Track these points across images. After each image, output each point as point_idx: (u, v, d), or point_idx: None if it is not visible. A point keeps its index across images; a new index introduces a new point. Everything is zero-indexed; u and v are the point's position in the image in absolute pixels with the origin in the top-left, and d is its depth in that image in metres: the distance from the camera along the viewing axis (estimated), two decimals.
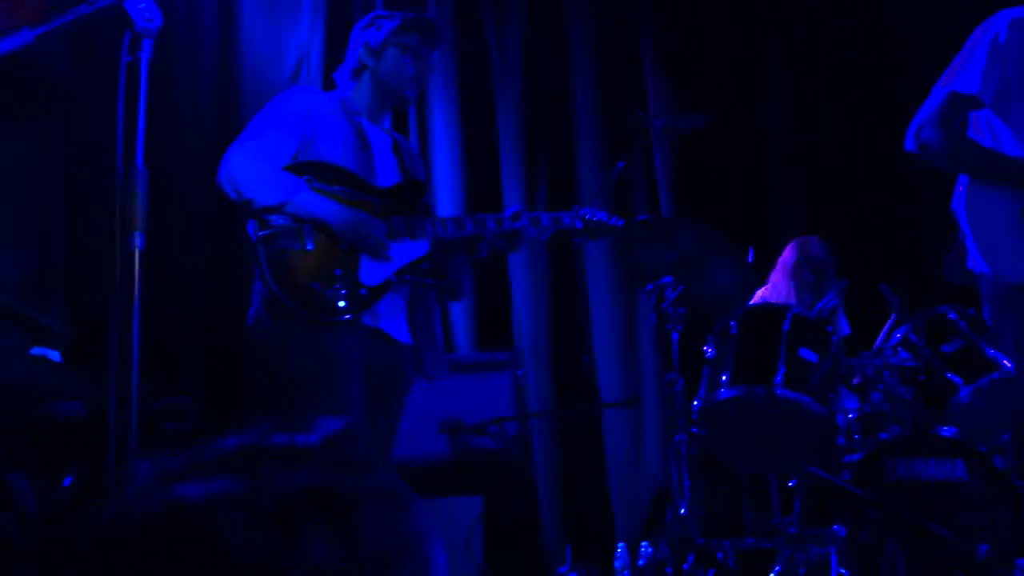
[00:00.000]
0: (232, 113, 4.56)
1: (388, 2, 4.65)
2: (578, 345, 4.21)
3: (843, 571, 2.94)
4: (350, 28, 4.68)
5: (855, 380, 3.50)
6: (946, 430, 3.15)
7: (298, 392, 2.43)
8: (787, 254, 4.20)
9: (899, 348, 3.35)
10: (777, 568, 3.23)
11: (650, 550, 3.62)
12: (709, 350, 3.40)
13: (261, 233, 2.44)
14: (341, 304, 2.41)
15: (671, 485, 3.44)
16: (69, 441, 2.66)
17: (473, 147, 4.71)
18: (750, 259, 3.70)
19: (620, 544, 3.71)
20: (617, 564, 3.65)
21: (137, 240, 1.48)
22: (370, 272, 2.49)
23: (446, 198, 4.61)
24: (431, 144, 4.67)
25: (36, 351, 2.64)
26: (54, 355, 2.50)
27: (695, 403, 3.34)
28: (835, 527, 3.02)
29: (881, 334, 3.66)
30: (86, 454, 2.65)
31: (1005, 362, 3.15)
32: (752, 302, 4.08)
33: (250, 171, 2.44)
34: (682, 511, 3.35)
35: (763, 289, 4.24)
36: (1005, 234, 2.28)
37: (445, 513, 3.45)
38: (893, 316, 3.62)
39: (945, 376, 3.22)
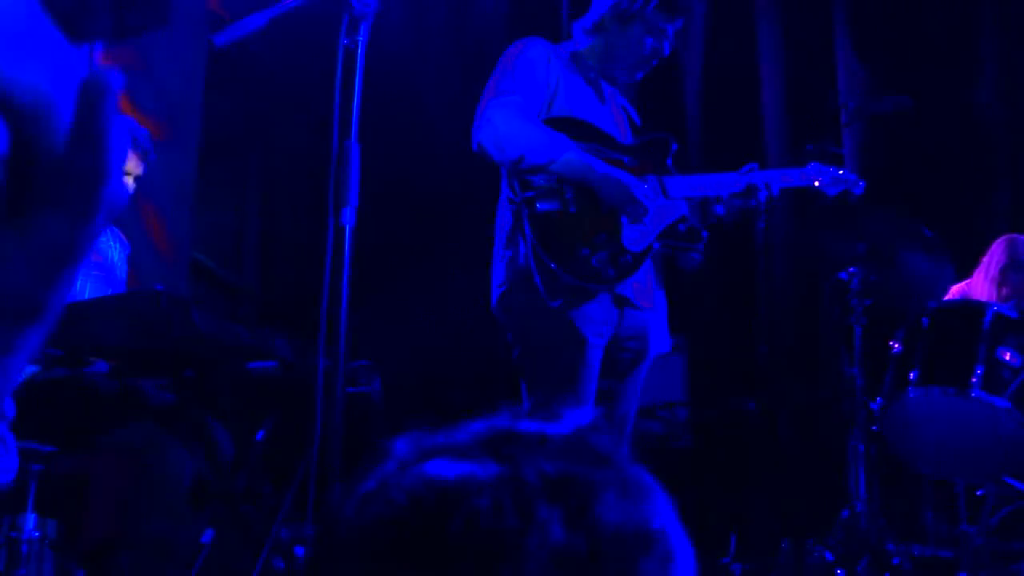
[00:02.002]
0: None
1: None
2: (754, 334, 4.09)
3: None
4: None
5: None
6: None
7: (546, 371, 2.36)
8: (994, 253, 3.88)
9: None
10: None
11: (819, 549, 3.51)
12: (896, 346, 3.23)
13: (525, 195, 2.31)
14: (610, 272, 2.30)
15: (847, 484, 3.31)
16: (265, 397, 2.84)
17: (656, 127, 4.64)
18: (933, 243, 3.48)
19: (784, 540, 3.60)
20: (781, 560, 3.56)
21: (348, 215, 1.55)
22: (632, 237, 2.35)
23: None
24: None
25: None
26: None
27: (878, 400, 3.19)
28: None
29: None
30: (279, 410, 2.82)
31: None
32: (947, 298, 3.84)
33: (515, 128, 2.31)
34: (858, 509, 3.22)
35: (960, 285, 3.96)
36: None
37: None
38: None
39: None
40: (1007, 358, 3.04)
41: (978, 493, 3.30)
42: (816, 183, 2.67)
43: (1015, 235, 3.89)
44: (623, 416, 2.50)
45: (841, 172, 2.70)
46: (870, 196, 4.48)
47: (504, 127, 2.33)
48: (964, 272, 3.97)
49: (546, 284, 2.31)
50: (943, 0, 4.66)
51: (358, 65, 1.59)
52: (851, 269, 3.43)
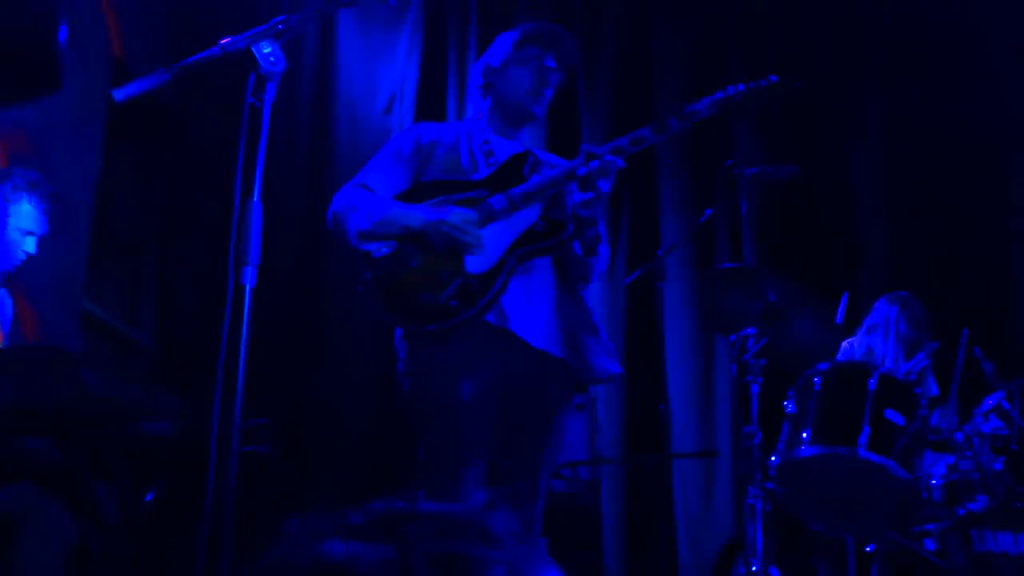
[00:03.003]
0: (326, 146, 4.68)
1: (484, 33, 4.73)
2: (653, 392, 4.16)
3: None
4: (444, 63, 4.87)
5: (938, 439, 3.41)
6: None
7: (435, 434, 2.29)
8: (886, 309, 4.08)
9: (991, 415, 3.24)
10: None
11: None
12: (790, 405, 3.34)
13: (368, 275, 2.32)
14: (453, 303, 2.23)
15: (743, 540, 3.37)
16: (155, 458, 2.73)
17: None
18: (843, 308, 3.62)
19: None
20: None
21: (249, 274, 1.53)
22: (476, 262, 2.28)
23: None
24: None
25: None
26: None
27: (773, 459, 3.27)
28: None
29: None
30: (170, 471, 2.72)
31: None
32: (838, 357, 4.00)
33: (347, 202, 2.39)
34: (754, 568, 3.28)
35: (849, 342, 4.14)
36: None
37: None
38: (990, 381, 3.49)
39: None
40: (892, 417, 3.17)
41: (867, 549, 3.40)
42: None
43: (904, 293, 4.10)
44: (530, 470, 2.34)
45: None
46: (766, 260, 4.68)
47: (338, 203, 2.41)
48: (852, 330, 4.16)
49: (412, 344, 2.32)
50: (831, 76, 4.93)
51: (263, 124, 1.58)
52: (746, 329, 3.54)
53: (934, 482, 3.39)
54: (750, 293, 3.51)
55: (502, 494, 0.67)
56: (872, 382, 3.20)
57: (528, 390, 2.33)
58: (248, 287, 1.51)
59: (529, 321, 2.32)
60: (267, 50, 1.60)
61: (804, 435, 3.19)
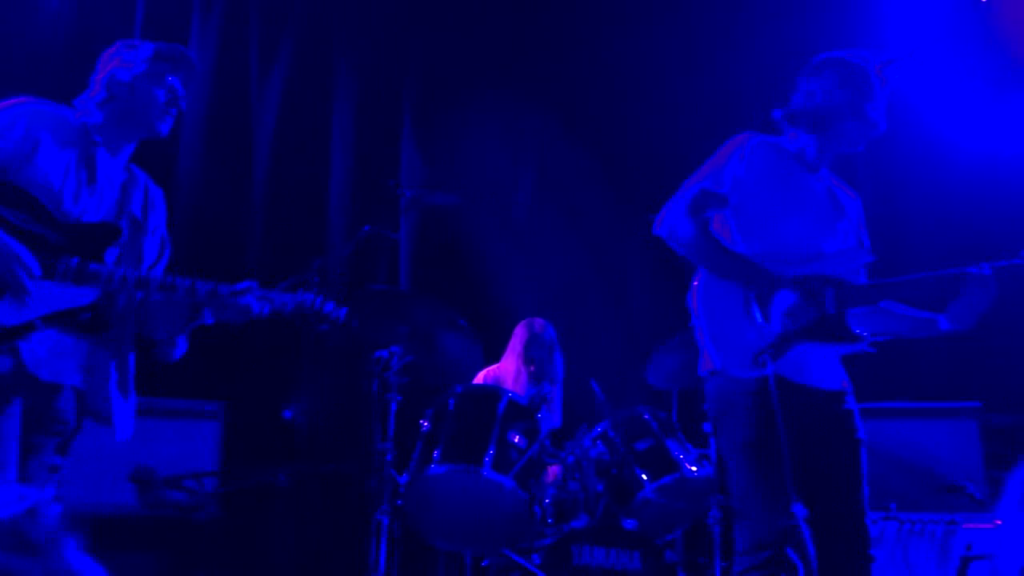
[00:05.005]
0: None
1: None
2: (293, 405, 4.10)
3: None
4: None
5: (557, 468, 3.69)
6: (628, 523, 3.39)
7: None
8: (518, 335, 4.37)
9: (598, 441, 3.58)
10: None
11: None
12: (425, 424, 3.44)
13: None
14: None
15: (367, 557, 3.41)
16: None
17: (223, 192, 4.54)
18: (466, 329, 3.80)
19: None
20: None
21: None
22: (9, 311, 2.23)
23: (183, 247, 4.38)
24: (176, 185, 4.45)
25: None
26: None
27: (404, 476, 3.36)
28: None
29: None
30: None
31: (687, 465, 3.46)
32: (477, 381, 4.20)
33: None
34: None
35: (491, 368, 4.37)
36: (734, 329, 2.43)
37: (123, 570, 3.18)
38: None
39: (635, 472, 3.47)
40: (516, 440, 3.39)
41: (483, 564, 3.59)
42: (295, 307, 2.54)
43: (533, 318, 4.42)
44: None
45: (321, 302, 2.57)
46: (419, 282, 4.82)
47: None
48: (493, 357, 4.41)
49: None
50: (498, 113, 5.23)
51: None
52: (392, 348, 3.61)
53: (547, 501, 3.67)
54: (398, 314, 3.59)
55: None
56: (501, 406, 3.40)
57: (38, 415, 2.32)
58: None
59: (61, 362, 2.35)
60: None
61: (435, 454, 3.31)
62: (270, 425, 4.38)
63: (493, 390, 3.60)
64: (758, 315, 2.40)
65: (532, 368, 4.30)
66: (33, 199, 2.28)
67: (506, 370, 4.36)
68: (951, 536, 3.78)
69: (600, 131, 5.31)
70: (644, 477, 3.43)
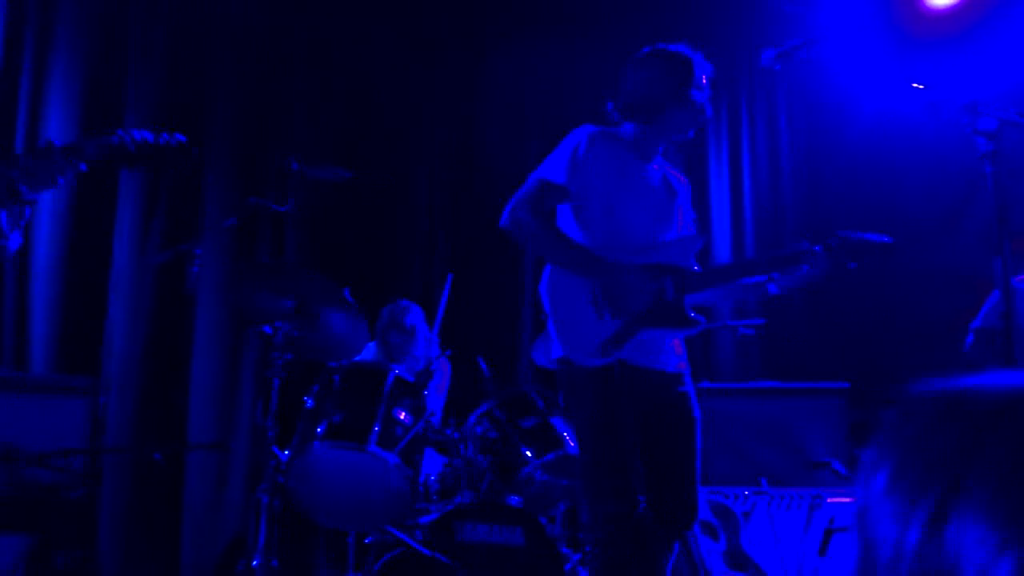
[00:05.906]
0: None
1: None
2: (175, 380, 3.97)
3: None
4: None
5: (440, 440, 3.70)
6: (512, 499, 3.43)
7: None
8: (380, 316, 4.35)
9: (484, 419, 3.60)
10: None
11: None
12: (309, 401, 3.39)
13: None
14: None
15: (247, 535, 3.34)
16: None
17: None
18: (352, 305, 3.75)
19: None
20: None
21: None
22: None
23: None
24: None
25: None
26: None
27: (286, 453, 3.30)
28: None
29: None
30: None
31: (570, 441, 3.51)
32: (362, 356, 4.15)
33: None
34: (254, 563, 3.26)
35: (374, 342, 4.33)
36: (579, 319, 2.49)
37: None
38: None
39: (520, 449, 3.51)
40: (402, 417, 3.37)
41: (366, 541, 3.56)
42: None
43: (399, 300, 4.39)
44: None
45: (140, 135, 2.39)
46: (301, 256, 4.73)
47: None
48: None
49: None
50: (391, 87, 5.17)
51: None
52: (276, 323, 3.52)
53: (432, 478, 3.67)
54: (283, 288, 3.51)
55: None
56: (388, 382, 3.38)
57: None
58: None
59: None
60: None
61: (319, 431, 3.26)
62: (148, 401, 4.23)
63: (380, 365, 3.58)
64: (601, 305, 2.46)
65: (389, 351, 4.29)
66: None
67: (372, 351, 4.34)
68: (816, 510, 3.98)
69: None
70: (529, 454, 3.47)
